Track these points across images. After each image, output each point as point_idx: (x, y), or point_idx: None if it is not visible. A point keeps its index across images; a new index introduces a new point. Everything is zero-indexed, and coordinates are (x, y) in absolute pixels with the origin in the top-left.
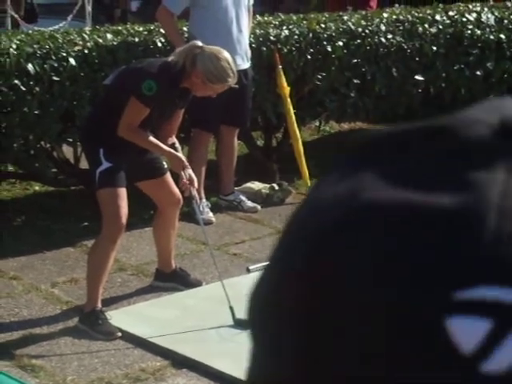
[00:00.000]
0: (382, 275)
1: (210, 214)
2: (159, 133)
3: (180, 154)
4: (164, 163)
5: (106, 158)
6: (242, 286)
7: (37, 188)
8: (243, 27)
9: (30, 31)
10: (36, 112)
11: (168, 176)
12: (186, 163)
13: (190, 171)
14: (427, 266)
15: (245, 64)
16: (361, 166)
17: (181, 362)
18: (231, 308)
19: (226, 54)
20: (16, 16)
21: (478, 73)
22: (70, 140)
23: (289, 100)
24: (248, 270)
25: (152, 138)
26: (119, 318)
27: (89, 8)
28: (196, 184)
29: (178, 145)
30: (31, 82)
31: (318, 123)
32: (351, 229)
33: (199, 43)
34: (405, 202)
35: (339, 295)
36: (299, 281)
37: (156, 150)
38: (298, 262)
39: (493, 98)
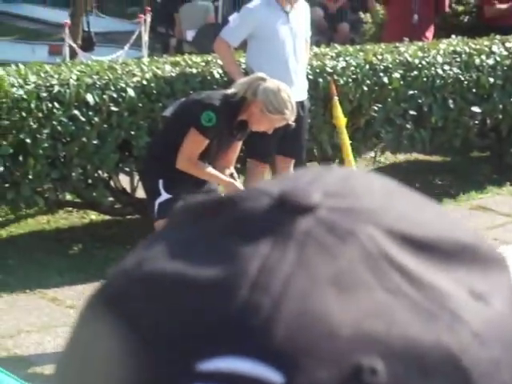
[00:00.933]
0: (143, 348)
1: None
2: (217, 164)
3: (239, 184)
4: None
5: (165, 190)
6: None
7: (93, 217)
8: (301, 59)
9: (89, 61)
10: (94, 142)
11: None
12: None
13: None
14: (177, 336)
15: (302, 96)
16: (159, 237)
17: None
18: None
19: (287, 88)
20: (74, 45)
21: None
22: (127, 169)
23: (345, 131)
24: None
25: (211, 169)
26: None
27: (145, 37)
28: None
29: (235, 175)
30: (90, 113)
31: (373, 154)
32: (127, 299)
33: (263, 75)
34: (173, 272)
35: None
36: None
37: (215, 180)
38: (84, 330)
39: (305, 168)
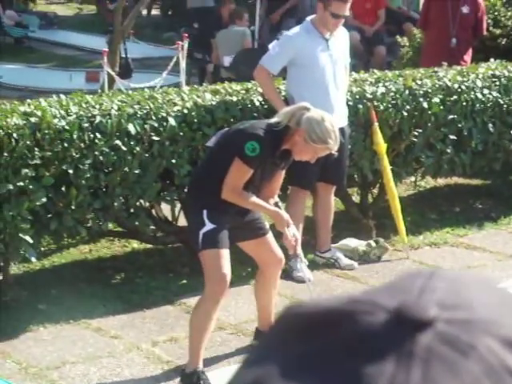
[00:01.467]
0: None
1: (306, 272)
2: (261, 193)
3: (284, 213)
4: (266, 223)
5: (209, 220)
6: None
7: (135, 245)
8: (341, 85)
9: (128, 89)
10: (136, 171)
11: (270, 236)
12: (290, 221)
13: (294, 229)
14: None
15: (342, 122)
16: (269, 348)
17: None
18: None
19: (331, 118)
20: (112, 73)
21: None
22: (169, 198)
23: (385, 157)
24: None
25: (255, 199)
26: (220, 378)
27: (183, 63)
28: (300, 242)
29: (280, 204)
30: (132, 142)
31: (413, 179)
32: None
33: (307, 105)
34: None
35: None
36: None
37: (260, 209)
38: None
39: (412, 274)
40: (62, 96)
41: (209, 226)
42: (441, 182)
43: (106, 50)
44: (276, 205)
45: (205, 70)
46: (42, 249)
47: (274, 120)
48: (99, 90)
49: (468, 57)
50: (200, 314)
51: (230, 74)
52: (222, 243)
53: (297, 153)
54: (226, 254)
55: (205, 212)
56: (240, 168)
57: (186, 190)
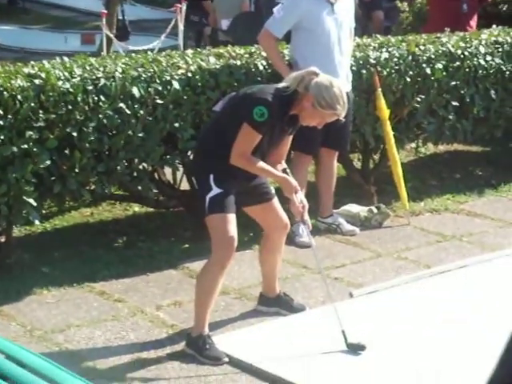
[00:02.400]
0: None
1: (309, 238)
2: (269, 159)
3: (292, 179)
4: (272, 188)
5: (216, 184)
6: (345, 311)
7: (136, 209)
8: (345, 50)
9: (125, 51)
10: (140, 135)
11: (276, 201)
12: (298, 188)
13: (301, 195)
14: None
15: (346, 87)
16: None
17: None
18: (343, 332)
19: (340, 84)
20: (111, 35)
21: None
22: (172, 162)
23: (388, 122)
24: (351, 295)
25: (264, 164)
26: (225, 342)
27: (181, 26)
28: (307, 208)
29: (288, 170)
30: (136, 106)
31: (415, 145)
32: None
33: (316, 70)
34: None
35: None
36: None
37: (268, 175)
38: None
39: None
40: (66, 58)
41: (215, 190)
42: (441, 148)
43: (105, 11)
44: (284, 171)
45: (201, 33)
46: (44, 212)
47: (282, 85)
48: (102, 53)
49: (474, 23)
50: (206, 278)
51: (228, 38)
52: (229, 208)
53: (304, 118)
54: (232, 218)
55: (211, 177)
56: (248, 133)
57: (189, 154)
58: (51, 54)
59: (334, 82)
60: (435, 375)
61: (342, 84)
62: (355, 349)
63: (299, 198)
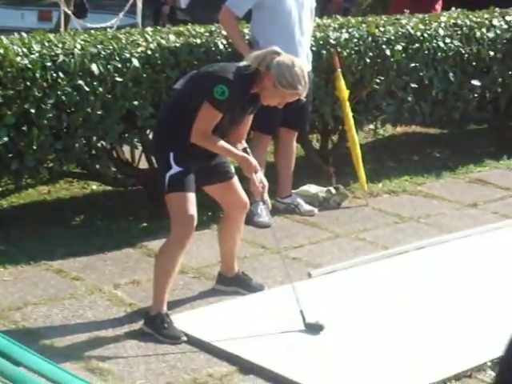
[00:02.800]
0: None
1: (268, 217)
2: (229, 138)
3: (252, 158)
4: (232, 167)
5: (176, 163)
6: (304, 291)
7: (94, 187)
8: (306, 30)
9: (82, 28)
10: (98, 112)
11: (236, 180)
12: (258, 167)
13: (261, 175)
14: None
15: (306, 67)
16: None
17: (248, 367)
18: (301, 312)
19: (301, 63)
20: (69, 12)
21: None
22: (130, 141)
23: (347, 103)
24: (309, 275)
25: (224, 143)
26: (184, 321)
27: (139, 4)
28: (267, 188)
29: (249, 149)
30: (95, 83)
31: (373, 126)
32: None
33: (278, 49)
34: None
35: None
36: None
37: (228, 154)
38: None
39: None
40: (24, 34)
41: (175, 168)
42: (399, 130)
43: None
44: (245, 150)
45: (159, 12)
46: (0, 189)
47: (243, 63)
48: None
49: (439, 6)
50: (165, 257)
51: (187, 17)
52: (189, 186)
53: (265, 97)
54: (192, 197)
55: (171, 155)
56: (209, 112)
57: (148, 133)
58: (7, 31)
59: (295, 62)
60: (393, 355)
61: (304, 64)
62: (313, 329)
63: (259, 177)
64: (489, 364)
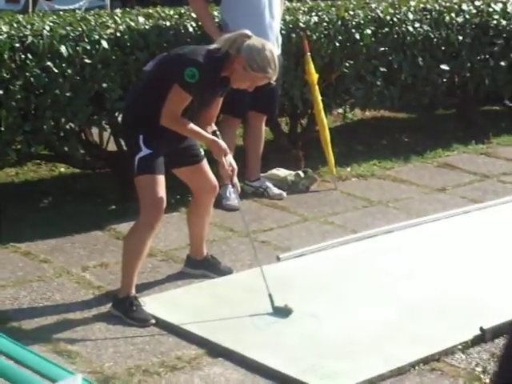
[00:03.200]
0: None
1: (237, 201)
2: (199, 120)
3: (221, 141)
4: (201, 150)
5: (145, 145)
6: (272, 275)
7: (62, 170)
8: (275, 13)
9: (50, 10)
10: (67, 94)
11: (205, 163)
12: (228, 150)
13: (230, 158)
14: None
15: (276, 50)
16: None
17: (216, 351)
18: (270, 296)
19: (272, 47)
20: None
21: (503, 63)
22: (99, 123)
23: (316, 87)
24: (278, 259)
25: (194, 126)
26: (152, 304)
27: None
28: (236, 172)
29: (218, 132)
30: (63, 65)
31: (342, 110)
32: None
33: (248, 32)
34: None
35: None
36: None
37: (198, 137)
38: None
39: None
40: None
41: (145, 151)
42: (368, 114)
43: None
44: (214, 133)
45: None
46: None
47: (213, 46)
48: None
49: None
50: (134, 239)
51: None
52: (158, 169)
53: (235, 80)
54: (161, 179)
55: (141, 137)
56: (179, 94)
57: (117, 115)
58: None
59: (266, 45)
60: (360, 340)
61: (274, 47)
62: (282, 312)
63: (228, 160)
64: (459, 347)
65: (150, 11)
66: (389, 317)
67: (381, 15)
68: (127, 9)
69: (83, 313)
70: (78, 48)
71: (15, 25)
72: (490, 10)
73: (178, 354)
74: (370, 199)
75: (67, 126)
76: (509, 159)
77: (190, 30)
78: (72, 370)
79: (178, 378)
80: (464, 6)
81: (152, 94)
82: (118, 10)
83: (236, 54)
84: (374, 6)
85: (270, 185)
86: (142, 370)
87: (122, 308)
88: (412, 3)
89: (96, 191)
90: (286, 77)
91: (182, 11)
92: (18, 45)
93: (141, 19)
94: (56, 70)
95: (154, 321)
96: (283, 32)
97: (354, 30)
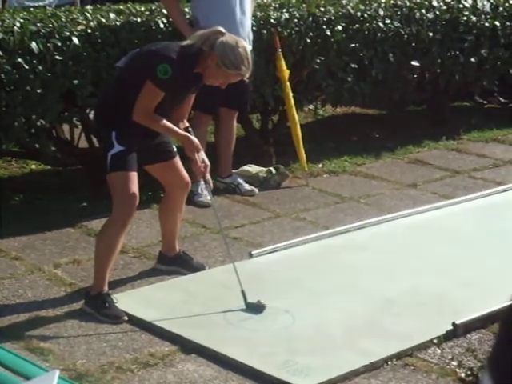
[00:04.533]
0: None
1: (209, 197)
2: (171, 117)
3: (194, 138)
4: (174, 147)
5: (118, 142)
6: (245, 271)
7: (33, 166)
8: (246, 10)
9: (21, 6)
10: (38, 91)
11: (177, 159)
12: (200, 147)
13: (203, 155)
14: None
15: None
16: None
17: (189, 347)
18: (243, 292)
19: (245, 44)
20: None
21: (472, 59)
22: (70, 119)
23: (288, 83)
24: (251, 255)
25: (166, 122)
26: (125, 301)
27: None
28: (209, 168)
29: (190, 129)
30: (34, 61)
31: (313, 107)
32: None
33: (222, 29)
34: None
35: None
36: None
37: (170, 133)
38: None
39: None
40: None
41: (117, 147)
42: (339, 111)
43: None
44: (186, 129)
45: None
46: None
47: (186, 42)
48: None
49: None
50: (107, 236)
51: None
52: (131, 165)
53: (208, 77)
54: (134, 176)
55: (114, 134)
56: (151, 90)
57: (88, 112)
58: None
59: (239, 42)
60: (333, 335)
61: (247, 44)
62: (255, 308)
63: (201, 157)
64: (432, 342)
65: (121, 7)
66: (362, 312)
67: (352, 11)
68: (98, 5)
69: (55, 310)
70: (48, 44)
71: None
72: (461, 6)
73: (150, 350)
74: (342, 195)
75: (38, 123)
76: (479, 155)
77: (161, 26)
78: (45, 367)
79: (151, 375)
80: (434, 3)
81: (124, 91)
82: (88, 7)
83: (209, 50)
84: (344, 2)
85: (241, 181)
86: (114, 367)
87: (95, 305)
88: (383, 0)
89: (67, 188)
90: (258, 73)
91: (153, 7)
92: None
93: (112, 15)
94: (27, 67)
95: (126, 317)
96: (254, 28)
97: (324, 27)
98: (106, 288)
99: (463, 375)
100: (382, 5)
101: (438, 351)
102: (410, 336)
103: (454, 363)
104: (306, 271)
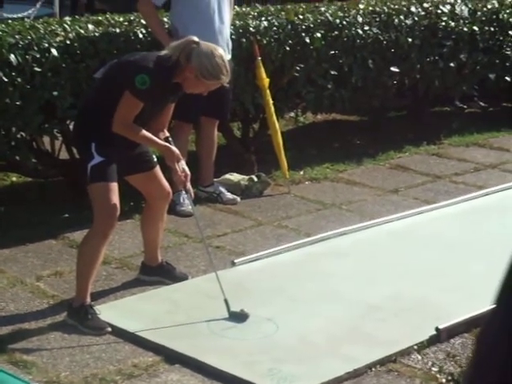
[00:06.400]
0: None
1: (190, 207)
2: (151, 127)
3: (174, 147)
4: (154, 156)
5: (98, 153)
6: (228, 280)
7: (14, 179)
8: (225, 18)
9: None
10: (18, 103)
11: (158, 169)
12: (180, 156)
13: (183, 164)
14: None
15: (226, 56)
16: None
17: (173, 357)
18: (226, 301)
19: (221, 52)
20: None
21: (452, 64)
22: (50, 131)
23: (268, 91)
24: (233, 264)
25: (146, 133)
26: (108, 312)
27: None
28: (189, 177)
29: (170, 139)
30: (13, 73)
31: (294, 114)
32: None
33: (195, 39)
34: None
35: None
36: None
37: (150, 144)
38: None
39: None
40: None
41: (97, 158)
42: (320, 118)
43: None
44: (166, 139)
45: (77, 2)
46: None
47: (164, 52)
48: None
49: None
50: (88, 247)
51: (104, 6)
52: (111, 176)
53: (188, 87)
54: (114, 187)
55: (93, 145)
56: (130, 101)
57: (68, 123)
58: None
59: (215, 52)
60: (317, 342)
61: (223, 51)
62: (238, 317)
63: (181, 166)
64: (415, 348)
65: (100, 18)
66: (344, 319)
67: (330, 19)
68: (76, 16)
69: (38, 322)
70: (27, 56)
71: None
72: (439, 11)
73: (134, 361)
74: (324, 202)
75: (18, 135)
76: (460, 159)
77: (140, 36)
78: (28, 379)
79: None
80: (413, 8)
81: (103, 101)
82: (67, 18)
83: (186, 62)
84: (323, 9)
85: (223, 190)
86: (98, 379)
87: (77, 317)
88: (361, 6)
89: (49, 200)
90: (237, 82)
91: (132, 18)
92: None
93: (90, 27)
94: (5, 79)
95: (109, 329)
96: (233, 37)
97: (303, 34)
98: (88, 299)
99: (444, 381)
100: (361, 11)
101: (421, 357)
102: (393, 342)
103: (435, 369)
104: (288, 279)
